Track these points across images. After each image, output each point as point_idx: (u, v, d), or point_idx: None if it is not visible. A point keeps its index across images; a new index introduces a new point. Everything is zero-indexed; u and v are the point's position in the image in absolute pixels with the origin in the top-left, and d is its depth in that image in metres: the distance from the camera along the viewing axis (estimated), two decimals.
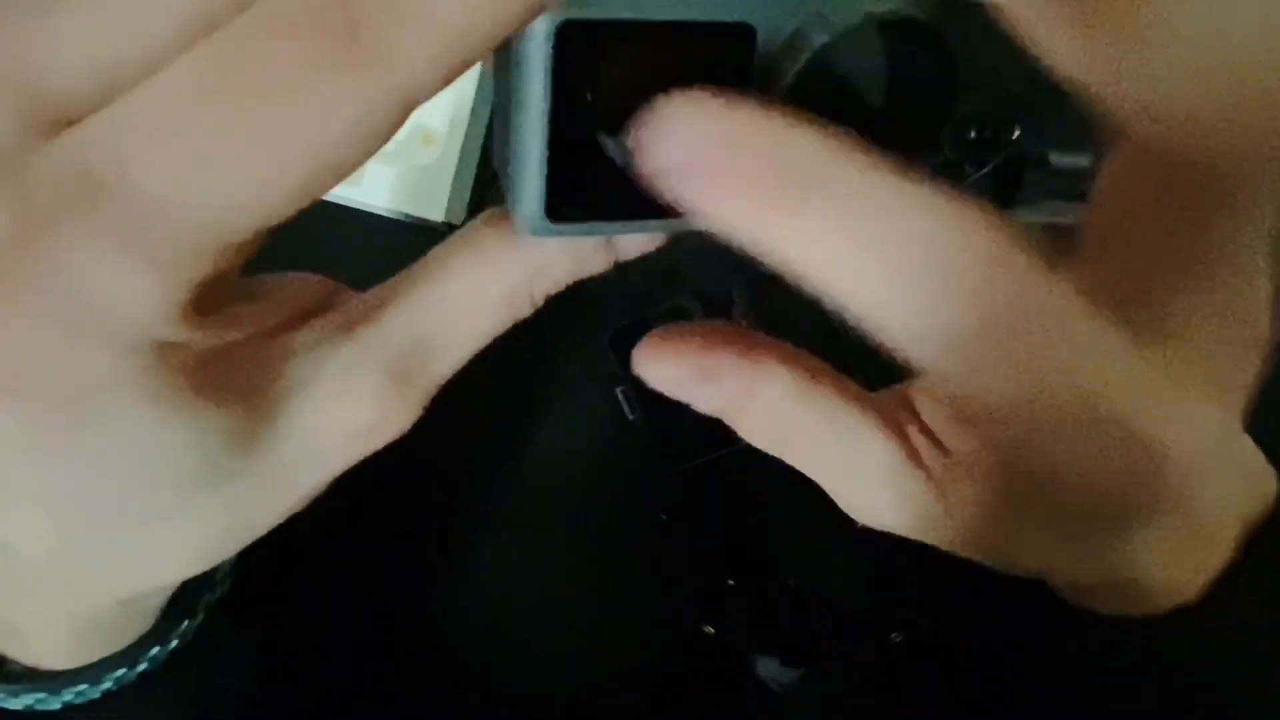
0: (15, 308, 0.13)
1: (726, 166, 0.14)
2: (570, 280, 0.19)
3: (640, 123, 0.14)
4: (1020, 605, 0.27)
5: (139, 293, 0.13)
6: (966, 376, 0.15)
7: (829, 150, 0.14)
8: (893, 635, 0.38)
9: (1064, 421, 0.15)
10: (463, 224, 0.20)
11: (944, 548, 0.20)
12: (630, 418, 0.41)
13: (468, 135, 0.42)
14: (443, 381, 0.19)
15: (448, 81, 0.13)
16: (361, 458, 0.19)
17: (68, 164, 0.13)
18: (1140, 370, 0.15)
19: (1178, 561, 0.20)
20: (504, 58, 0.17)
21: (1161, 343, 0.16)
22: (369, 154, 0.13)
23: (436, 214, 0.41)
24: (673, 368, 0.18)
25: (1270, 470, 0.21)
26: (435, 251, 0.19)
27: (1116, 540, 0.18)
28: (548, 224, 0.16)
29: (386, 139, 0.13)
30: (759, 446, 0.20)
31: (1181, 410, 0.16)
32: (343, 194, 0.41)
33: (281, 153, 0.13)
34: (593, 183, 0.16)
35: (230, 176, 0.13)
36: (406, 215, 0.42)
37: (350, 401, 0.18)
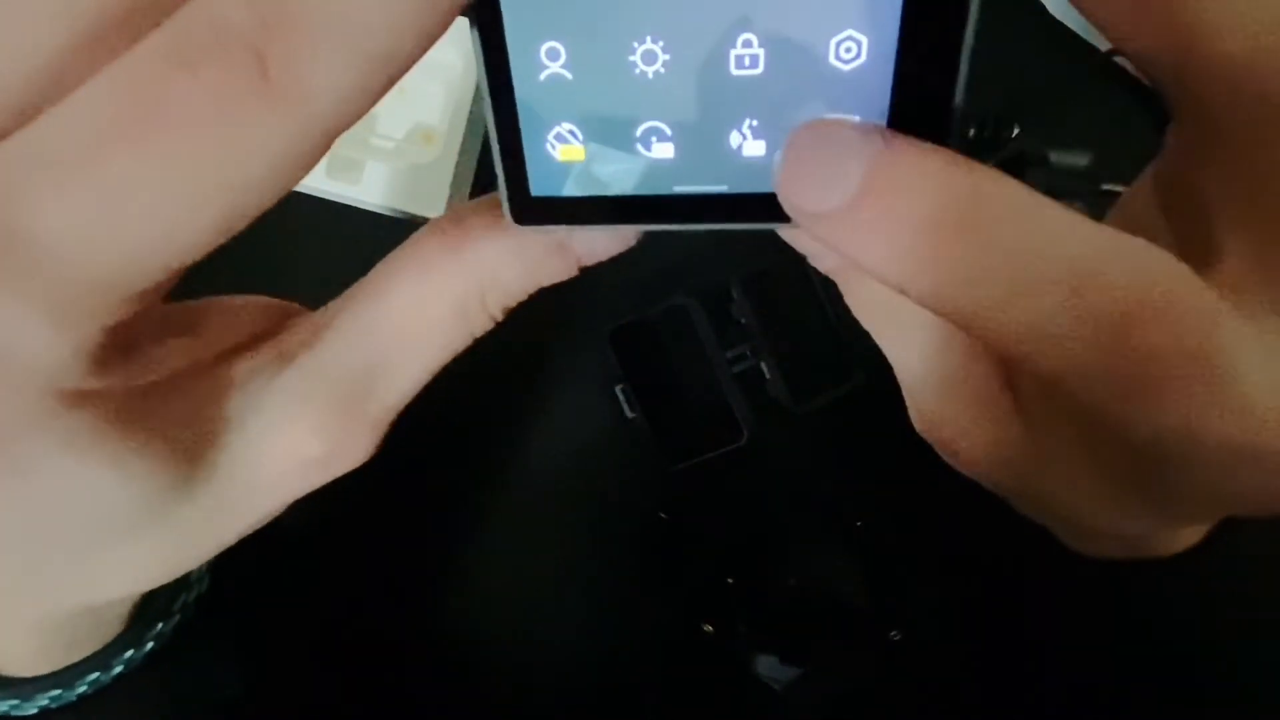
0: None
1: (892, 211, 0.13)
2: (529, 289, 0.18)
3: (788, 156, 0.13)
4: (1017, 604, 0.27)
5: (41, 344, 0.12)
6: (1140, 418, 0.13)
7: (1003, 189, 0.13)
8: (891, 634, 0.38)
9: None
10: None
11: (1001, 482, 0.19)
12: (630, 416, 0.41)
13: (467, 132, 0.42)
14: (400, 407, 0.18)
15: (371, 103, 0.12)
16: (321, 484, 0.18)
17: None
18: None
19: None
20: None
21: None
22: (290, 186, 0.12)
23: (436, 212, 0.41)
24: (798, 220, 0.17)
25: None
26: (378, 267, 0.17)
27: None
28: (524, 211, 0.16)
29: (309, 169, 0.12)
30: (860, 321, 0.19)
31: None
32: (340, 193, 0.41)
33: (191, 196, 0.12)
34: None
35: (136, 223, 0.12)
36: (406, 214, 0.41)
37: (292, 434, 0.17)
